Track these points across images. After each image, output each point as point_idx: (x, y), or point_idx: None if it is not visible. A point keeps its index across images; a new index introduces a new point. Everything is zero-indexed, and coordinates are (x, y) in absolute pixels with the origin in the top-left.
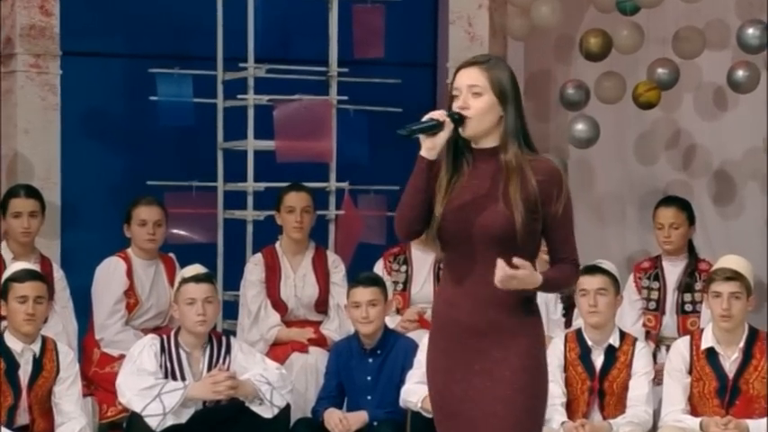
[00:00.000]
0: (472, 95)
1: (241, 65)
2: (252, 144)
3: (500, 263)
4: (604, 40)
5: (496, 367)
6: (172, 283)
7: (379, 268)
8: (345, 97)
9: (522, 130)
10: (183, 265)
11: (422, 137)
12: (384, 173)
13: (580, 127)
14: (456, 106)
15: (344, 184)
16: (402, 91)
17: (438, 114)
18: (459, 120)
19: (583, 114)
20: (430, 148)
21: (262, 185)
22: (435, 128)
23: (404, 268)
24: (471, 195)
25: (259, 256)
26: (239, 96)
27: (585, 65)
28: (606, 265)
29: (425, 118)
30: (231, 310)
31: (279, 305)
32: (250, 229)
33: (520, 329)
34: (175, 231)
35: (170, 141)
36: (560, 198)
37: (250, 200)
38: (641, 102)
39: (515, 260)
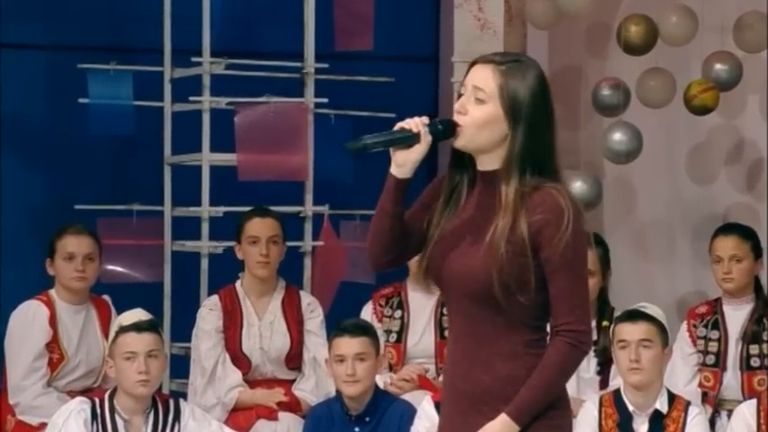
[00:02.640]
0: (474, 101)
1: (194, 59)
2: (207, 158)
3: None
4: (648, 29)
5: None
6: (106, 332)
7: (367, 313)
8: (325, 99)
9: (537, 159)
10: (120, 311)
11: (391, 150)
12: (373, 194)
13: (618, 137)
14: (454, 108)
15: (323, 208)
16: (396, 91)
17: (412, 124)
18: (443, 131)
19: (622, 121)
20: (399, 164)
21: (219, 210)
22: (404, 141)
23: (398, 314)
24: (460, 229)
25: (215, 298)
26: (191, 98)
27: (625, 59)
28: (651, 309)
29: (396, 127)
30: (181, 367)
31: (240, 360)
32: (205, 264)
33: None
34: (111, 268)
35: (104, 155)
36: (555, 240)
37: (205, 228)
38: (695, 105)
39: None
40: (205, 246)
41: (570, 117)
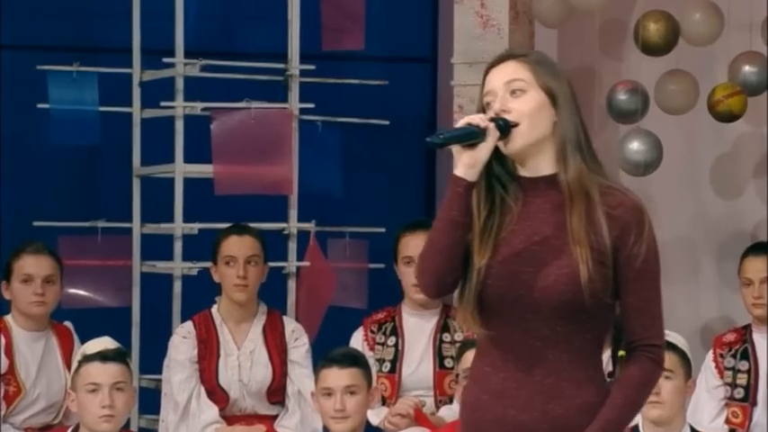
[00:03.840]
0: (511, 95)
1: (166, 60)
2: (180, 170)
3: None
4: (669, 27)
5: None
6: (68, 362)
7: (358, 341)
8: (311, 105)
9: (585, 142)
10: (84, 339)
11: (455, 149)
12: (364, 209)
13: (636, 146)
14: (495, 111)
15: (309, 225)
16: (390, 96)
17: (477, 119)
18: (504, 127)
19: (639, 129)
20: (469, 164)
21: (194, 227)
22: (474, 136)
23: (392, 341)
24: (523, 244)
25: (189, 325)
26: (163, 104)
27: (643, 61)
28: (672, 337)
29: (460, 123)
30: (151, 402)
31: (217, 394)
32: (177, 287)
33: None
34: (73, 291)
35: (66, 166)
36: (638, 245)
37: (178, 247)
38: (720, 111)
39: None
40: (178, 267)
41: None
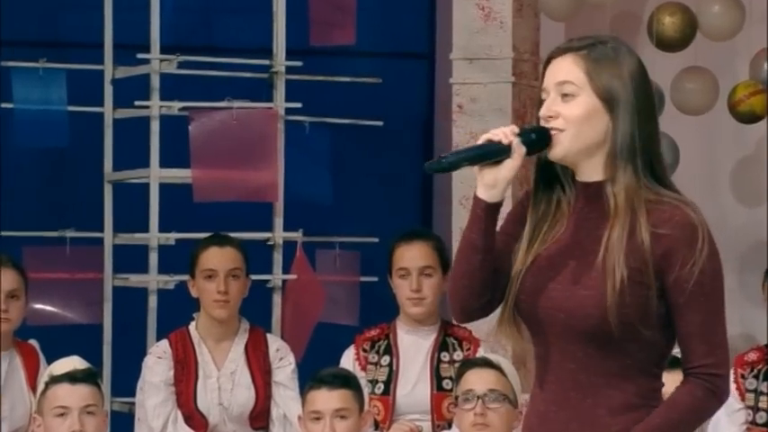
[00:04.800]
0: (561, 98)
1: (140, 56)
2: (156, 175)
3: None
4: (685, 21)
5: None
6: (33, 384)
7: (349, 361)
8: (298, 104)
9: (646, 152)
10: (50, 359)
11: (476, 169)
12: (355, 218)
13: None
14: (540, 115)
15: (296, 235)
16: (383, 94)
17: (500, 134)
18: (536, 141)
19: None
20: (490, 185)
21: (171, 237)
22: (493, 155)
23: (386, 360)
24: (560, 256)
25: (165, 344)
26: (137, 103)
27: (658, 57)
28: None
29: (481, 140)
30: (124, 426)
31: (195, 418)
32: (153, 302)
33: None
34: (40, 307)
35: (32, 171)
36: (689, 265)
37: (153, 259)
38: (741, 111)
39: None
40: (153, 280)
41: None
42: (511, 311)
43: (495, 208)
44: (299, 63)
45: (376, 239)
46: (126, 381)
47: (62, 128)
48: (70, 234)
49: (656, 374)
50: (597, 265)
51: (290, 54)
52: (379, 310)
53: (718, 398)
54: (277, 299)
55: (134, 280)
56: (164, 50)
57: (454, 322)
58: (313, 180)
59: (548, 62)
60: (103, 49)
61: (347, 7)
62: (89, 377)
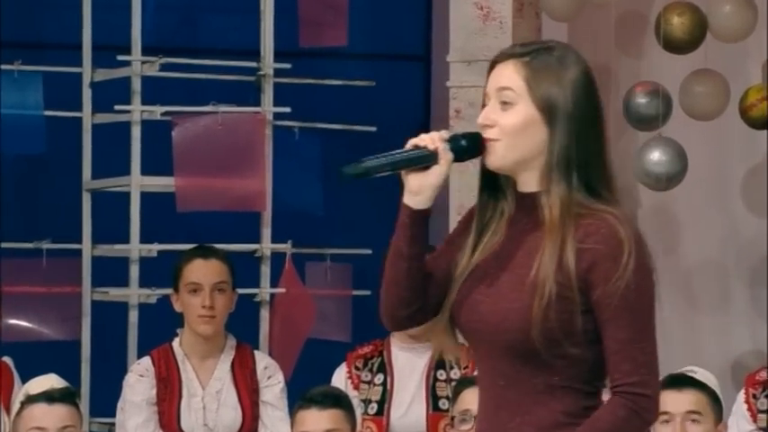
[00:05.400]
0: (501, 106)
1: (121, 58)
2: (137, 183)
3: None
4: (695, 21)
5: None
6: (7, 404)
7: (340, 379)
8: (287, 109)
9: (583, 165)
10: (26, 377)
11: (403, 174)
12: (347, 228)
13: (657, 156)
14: (477, 122)
15: (285, 246)
16: (377, 98)
17: (427, 140)
18: (467, 148)
19: (661, 137)
20: (414, 191)
21: (153, 248)
22: (418, 161)
23: (380, 379)
24: (492, 266)
25: (147, 361)
26: (118, 108)
27: (665, 59)
28: (700, 375)
29: (408, 145)
30: None
31: None
32: (134, 317)
33: None
34: (14, 322)
35: (7, 179)
36: (613, 280)
37: (134, 271)
38: (753, 117)
39: None
40: (134, 294)
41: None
42: (447, 321)
43: (421, 215)
44: (287, 65)
45: (369, 251)
46: (105, 400)
47: (38, 133)
48: (47, 245)
49: (587, 392)
50: (526, 279)
51: (279, 56)
52: (372, 325)
53: (642, 418)
54: (265, 314)
55: (114, 294)
56: (145, 52)
57: None
58: (302, 188)
59: (492, 66)
60: (82, 50)
61: (338, 7)
62: (67, 396)
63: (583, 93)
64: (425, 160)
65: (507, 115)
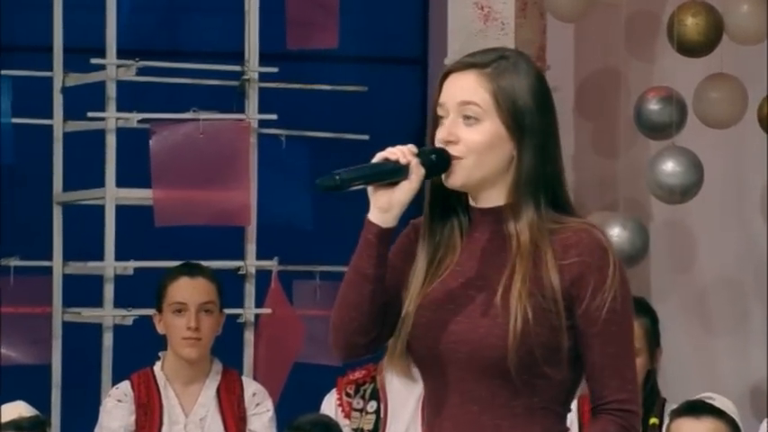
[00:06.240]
0: (464, 120)
1: (94, 61)
2: (112, 195)
3: None
4: (710, 22)
5: None
6: None
7: (330, 407)
8: (273, 116)
9: (549, 182)
10: None
11: (369, 190)
12: (338, 244)
13: (670, 167)
14: (438, 137)
15: (271, 263)
16: (370, 104)
17: (398, 153)
18: (437, 163)
19: (674, 146)
20: (383, 208)
21: (129, 266)
22: (393, 174)
23: (373, 406)
24: (458, 288)
25: (126, 386)
26: (91, 115)
27: (679, 62)
28: (719, 402)
29: (377, 158)
30: None
31: None
32: (108, 340)
33: None
34: None
35: None
36: (600, 291)
37: (109, 291)
38: None
39: None
40: (109, 315)
41: (605, 140)
42: (403, 346)
43: (387, 234)
44: (274, 69)
45: None
46: (77, 429)
47: (6, 142)
48: (14, 263)
49: (561, 415)
50: (502, 297)
51: (265, 59)
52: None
53: None
54: (249, 336)
55: (87, 315)
56: (121, 55)
57: None
58: (290, 201)
59: (446, 76)
60: (53, 53)
61: (329, 7)
62: (36, 425)
63: (544, 104)
64: (397, 174)
65: (473, 132)
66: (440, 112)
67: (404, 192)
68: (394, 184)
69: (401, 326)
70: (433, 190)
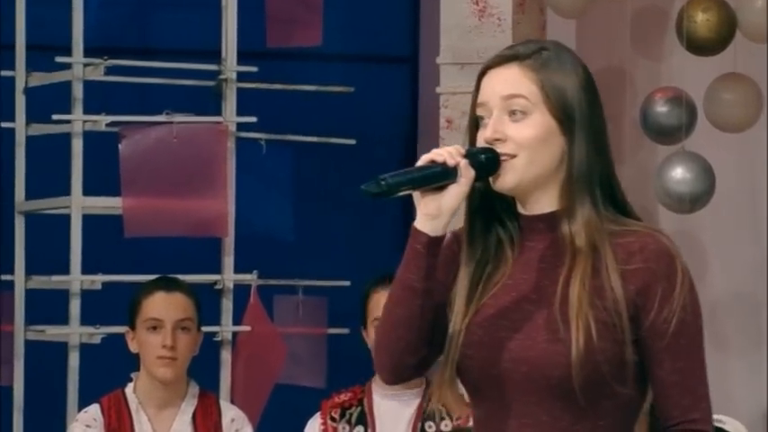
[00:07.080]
0: (510, 116)
1: (60, 59)
2: (79, 204)
3: None
4: (722, 18)
5: None
6: None
7: (314, 431)
8: (253, 119)
9: (603, 178)
10: None
11: (416, 195)
12: (322, 257)
13: (679, 173)
14: (482, 137)
15: (250, 277)
16: (357, 107)
17: (445, 154)
18: (487, 163)
19: (684, 151)
20: (431, 214)
21: (97, 280)
22: (441, 177)
23: (360, 431)
24: (511, 302)
25: (95, 410)
26: (56, 117)
27: (689, 62)
28: (731, 426)
29: (422, 161)
30: None
31: None
32: (74, 360)
33: None
34: None
35: None
36: (669, 301)
37: (75, 307)
38: None
39: None
40: (75, 333)
41: (610, 144)
42: (453, 370)
43: (437, 243)
44: (253, 68)
45: (347, 283)
46: None
47: None
48: None
49: None
50: (563, 310)
51: (243, 57)
52: (351, 369)
53: None
54: (226, 355)
55: (51, 333)
56: (88, 53)
57: None
58: (270, 211)
59: (483, 73)
60: (14, 50)
61: (312, 1)
62: None
63: (593, 95)
64: (444, 178)
65: (522, 127)
66: (480, 112)
67: (453, 196)
68: (442, 188)
69: (449, 346)
70: (473, 197)
